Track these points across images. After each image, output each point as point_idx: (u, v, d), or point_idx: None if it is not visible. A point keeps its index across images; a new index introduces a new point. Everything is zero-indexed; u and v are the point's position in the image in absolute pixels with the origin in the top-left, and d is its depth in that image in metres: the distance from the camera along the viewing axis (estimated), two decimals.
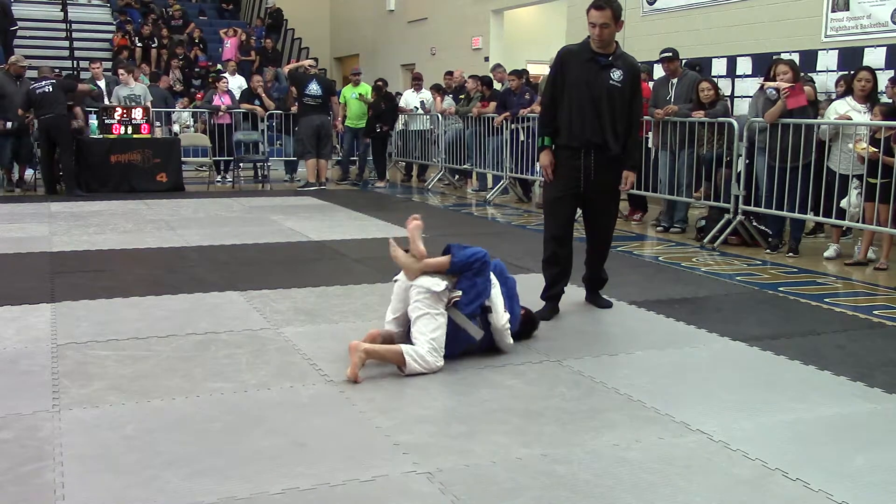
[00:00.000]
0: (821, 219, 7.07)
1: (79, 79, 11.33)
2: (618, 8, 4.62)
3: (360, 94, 12.87)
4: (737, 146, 7.49)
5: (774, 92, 7.04)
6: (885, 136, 6.35)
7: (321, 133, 11.69)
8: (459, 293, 3.89)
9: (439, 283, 3.85)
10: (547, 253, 4.94)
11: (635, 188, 8.83)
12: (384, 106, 12.92)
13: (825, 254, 6.98)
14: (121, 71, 12.34)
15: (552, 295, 4.87)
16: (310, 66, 12.01)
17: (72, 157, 10.61)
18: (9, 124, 10.68)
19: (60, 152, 10.56)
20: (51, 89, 10.43)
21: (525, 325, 4.31)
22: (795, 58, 9.03)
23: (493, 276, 4.06)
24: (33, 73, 11.49)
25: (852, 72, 7.92)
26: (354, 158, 13.51)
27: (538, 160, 5.02)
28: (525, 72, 11.65)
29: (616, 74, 4.71)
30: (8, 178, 11.34)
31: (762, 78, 8.07)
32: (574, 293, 5.18)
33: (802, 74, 8.36)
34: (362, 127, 12.78)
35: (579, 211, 5.05)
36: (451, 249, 3.97)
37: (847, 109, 6.84)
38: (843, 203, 6.77)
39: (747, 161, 7.43)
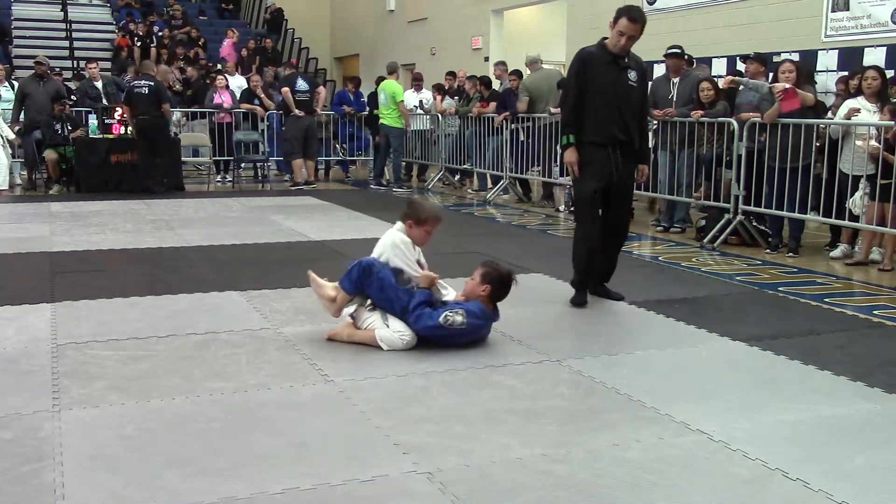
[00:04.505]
0: (823, 219, 7.07)
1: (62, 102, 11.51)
2: (646, 22, 4.92)
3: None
4: (736, 146, 7.49)
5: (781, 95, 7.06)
6: (886, 137, 6.36)
7: (308, 134, 11.82)
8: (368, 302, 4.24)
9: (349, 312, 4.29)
10: (585, 249, 5.09)
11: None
12: None
13: (832, 253, 7.00)
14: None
15: (586, 282, 5.15)
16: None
17: (167, 158, 11.11)
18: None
19: (159, 153, 10.94)
20: (147, 91, 10.74)
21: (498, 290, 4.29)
22: (795, 58, 9.03)
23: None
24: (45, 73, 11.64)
25: (848, 73, 7.92)
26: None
27: (564, 158, 5.26)
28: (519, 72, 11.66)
29: (632, 75, 5.00)
30: (30, 176, 11.40)
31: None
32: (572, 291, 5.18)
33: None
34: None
35: None
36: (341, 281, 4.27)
37: (858, 108, 6.85)
38: (849, 203, 6.76)
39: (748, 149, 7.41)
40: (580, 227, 5.18)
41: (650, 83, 9.07)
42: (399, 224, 4.37)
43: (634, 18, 4.83)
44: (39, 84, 11.06)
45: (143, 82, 10.88)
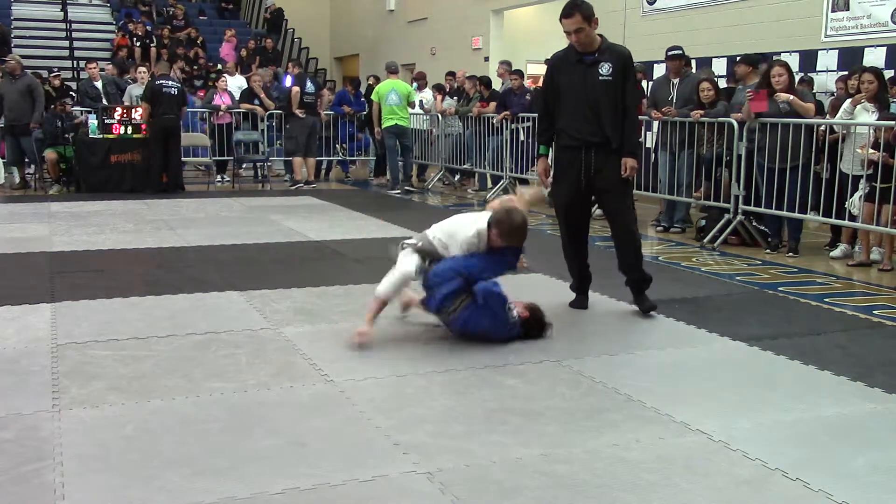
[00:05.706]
0: (823, 219, 7.07)
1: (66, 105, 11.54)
2: (587, 9, 4.71)
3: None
4: (736, 146, 7.49)
5: (787, 105, 7.03)
6: (885, 138, 6.36)
7: (312, 132, 11.89)
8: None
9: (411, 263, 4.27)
10: (566, 254, 5.11)
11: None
12: None
13: (832, 253, 7.00)
14: (141, 70, 12.63)
15: (580, 287, 5.11)
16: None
17: (175, 157, 11.23)
18: None
19: (172, 152, 11.07)
20: (176, 92, 10.93)
21: (530, 327, 4.33)
22: (795, 58, 9.05)
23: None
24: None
25: (847, 73, 7.91)
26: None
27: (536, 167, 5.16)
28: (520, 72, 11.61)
29: (605, 69, 4.76)
30: (21, 175, 11.41)
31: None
32: (572, 294, 5.18)
33: (801, 76, 8.36)
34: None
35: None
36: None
37: (857, 109, 6.84)
38: (848, 204, 6.75)
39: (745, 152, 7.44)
40: (561, 234, 5.15)
41: (650, 83, 9.10)
42: (484, 224, 4.32)
43: (567, 13, 4.72)
44: (12, 82, 11.10)
45: (171, 82, 11.06)
